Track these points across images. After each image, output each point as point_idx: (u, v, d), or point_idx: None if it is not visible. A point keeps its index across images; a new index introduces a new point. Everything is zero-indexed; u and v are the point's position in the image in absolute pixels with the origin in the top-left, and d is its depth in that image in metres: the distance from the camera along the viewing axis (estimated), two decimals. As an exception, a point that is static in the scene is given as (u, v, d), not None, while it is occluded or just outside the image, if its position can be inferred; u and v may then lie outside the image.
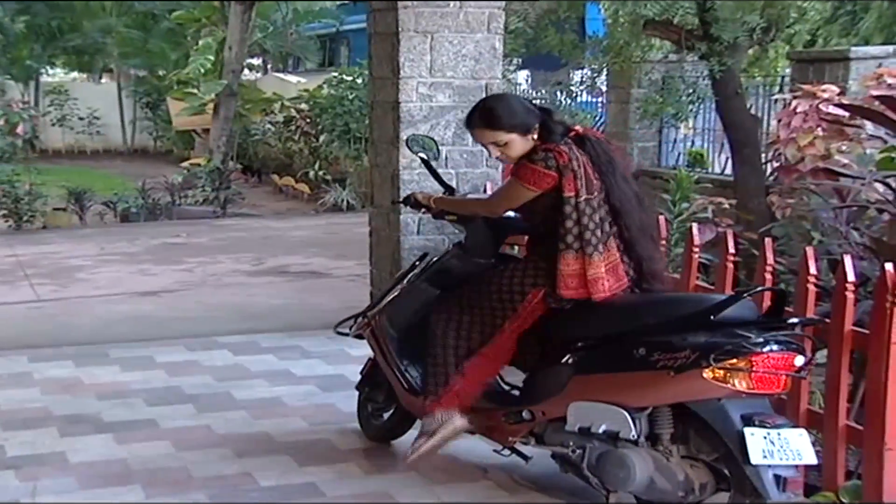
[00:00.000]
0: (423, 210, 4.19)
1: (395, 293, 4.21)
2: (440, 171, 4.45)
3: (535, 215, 3.70)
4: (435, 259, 4.21)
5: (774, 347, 3.19)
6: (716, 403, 3.23)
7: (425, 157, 4.30)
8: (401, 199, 4.50)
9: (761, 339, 3.19)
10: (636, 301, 3.60)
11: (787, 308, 3.54)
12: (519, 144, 3.67)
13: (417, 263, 4.29)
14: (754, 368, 3.15)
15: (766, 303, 3.51)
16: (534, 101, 3.68)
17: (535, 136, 3.66)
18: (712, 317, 3.26)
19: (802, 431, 3.29)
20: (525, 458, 3.82)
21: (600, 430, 3.41)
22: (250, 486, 3.95)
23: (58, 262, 9.33)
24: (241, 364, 5.65)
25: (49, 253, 9.87)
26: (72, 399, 5.00)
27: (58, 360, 5.67)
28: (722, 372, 3.16)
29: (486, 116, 3.72)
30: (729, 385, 3.18)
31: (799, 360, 3.22)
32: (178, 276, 8.59)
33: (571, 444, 3.53)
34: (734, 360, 3.15)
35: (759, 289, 3.55)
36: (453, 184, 5.03)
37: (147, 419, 4.71)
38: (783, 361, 3.19)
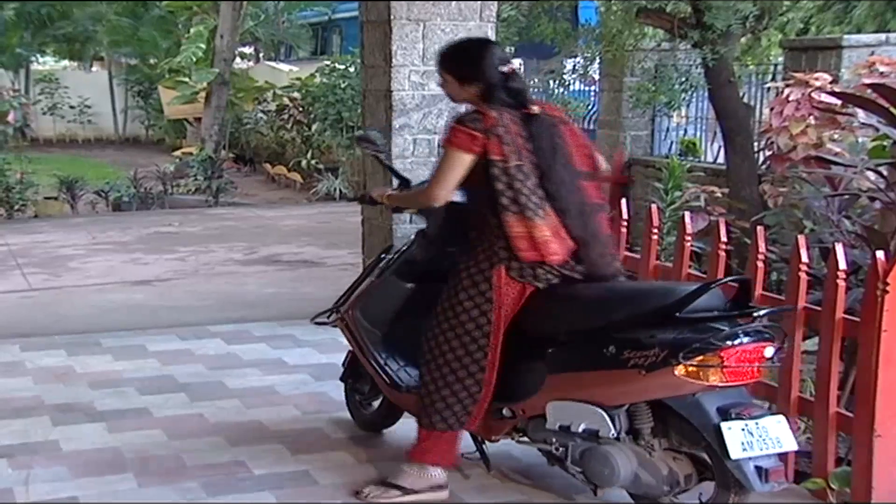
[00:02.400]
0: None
1: (365, 287, 4.19)
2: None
3: (473, 192, 3.61)
4: (403, 249, 4.17)
5: (744, 340, 3.16)
6: (691, 398, 3.22)
7: (376, 154, 4.23)
8: (356, 197, 4.45)
9: (730, 333, 3.16)
10: (603, 296, 3.53)
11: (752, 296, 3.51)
12: (454, 89, 3.70)
13: (383, 256, 4.26)
14: (725, 363, 3.13)
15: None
16: (506, 69, 3.61)
17: (477, 95, 3.61)
18: (678, 313, 3.22)
19: (780, 418, 3.29)
20: (487, 465, 3.82)
21: (580, 429, 3.41)
22: (243, 475, 3.96)
23: (49, 251, 9.31)
24: (234, 353, 5.65)
25: (41, 242, 9.85)
26: (64, 388, 4.99)
27: (50, 349, 5.66)
28: (693, 368, 3.14)
29: (441, 51, 3.82)
30: (701, 381, 3.16)
31: (769, 351, 3.19)
32: (171, 265, 8.58)
33: (554, 441, 3.53)
34: (704, 357, 3.13)
35: (725, 280, 3.50)
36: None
37: (139, 408, 4.71)
38: (753, 353, 3.17)
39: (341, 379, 4.48)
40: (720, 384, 3.17)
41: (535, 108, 3.60)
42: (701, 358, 3.13)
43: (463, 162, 3.51)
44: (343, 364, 4.46)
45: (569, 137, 3.65)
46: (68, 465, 4.01)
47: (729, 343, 3.14)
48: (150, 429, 4.43)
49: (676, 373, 3.16)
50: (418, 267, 4.05)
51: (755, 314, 3.22)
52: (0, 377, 5.15)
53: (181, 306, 6.98)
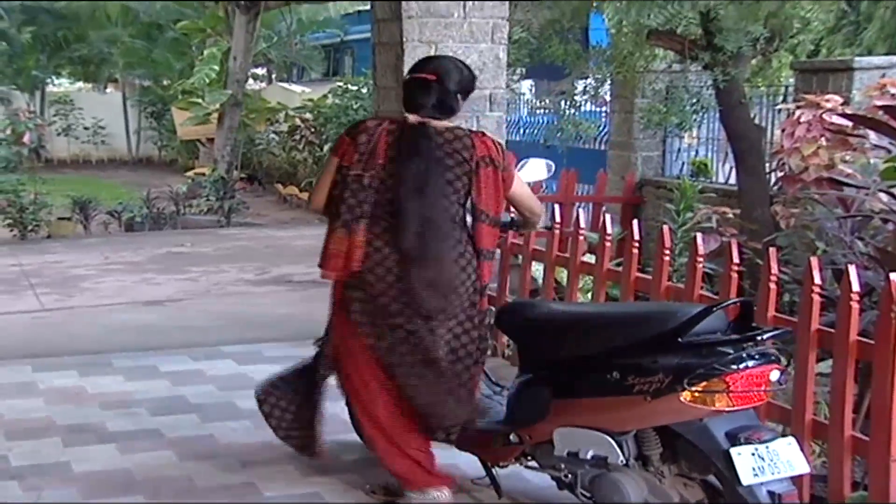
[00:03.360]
0: None
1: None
2: None
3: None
4: None
5: (749, 364, 3.12)
6: (698, 423, 3.18)
7: None
8: None
9: (734, 357, 3.12)
10: (602, 320, 3.51)
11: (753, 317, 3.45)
12: None
13: None
14: (731, 388, 3.09)
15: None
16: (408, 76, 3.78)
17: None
18: (679, 339, 3.19)
19: (791, 440, 3.25)
20: (498, 491, 3.80)
21: (588, 456, 3.37)
22: (254, 496, 3.95)
23: (62, 271, 9.34)
24: (245, 374, 5.64)
25: (53, 262, 9.88)
26: (75, 409, 5.00)
27: (62, 369, 5.67)
28: (699, 394, 3.11)
29: None
30: (708, 406, 3.12)
31: (774, 375, 3.15)
32: (183, 285, 8.60)
33: (563, 467, 3.50)
34: (709, 382, 3.10)
35: (726, 303, 3.46)
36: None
37: (151, 429, 4.71)
38: (759, 377, 3.13)
39: (346, 404, 4.46)
40: (727, 409, 3.13)
41: (411, 118, 3.62)
42: (706, 383, 3.10)
43: (330, 165, 3.67)
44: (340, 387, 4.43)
45: (484, 177, 3.57)
46: (79, 487, 4.01)
47: (734, 367, 3.10)
48: (162, 450, 4.44)
49: (682, 399, 3.12)
50: None
51: (758, 338, 3.18)
52: (12, 398, 5.16)
53: (193, 327, 6.99)
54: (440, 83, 3.62)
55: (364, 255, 3.50)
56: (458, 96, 3.68)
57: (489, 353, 4.16)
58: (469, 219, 3.64)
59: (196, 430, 4.70)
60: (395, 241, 3.48)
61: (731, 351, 3.15)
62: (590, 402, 3.38)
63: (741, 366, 3.11)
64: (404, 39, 5.61)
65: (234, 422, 4.81)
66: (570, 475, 3.48)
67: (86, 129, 22.63)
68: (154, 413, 4.93)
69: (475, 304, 3.63)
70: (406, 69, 5.57)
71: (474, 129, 3.88)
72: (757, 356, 3.15)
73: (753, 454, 3.11)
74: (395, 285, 3.51)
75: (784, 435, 3.44)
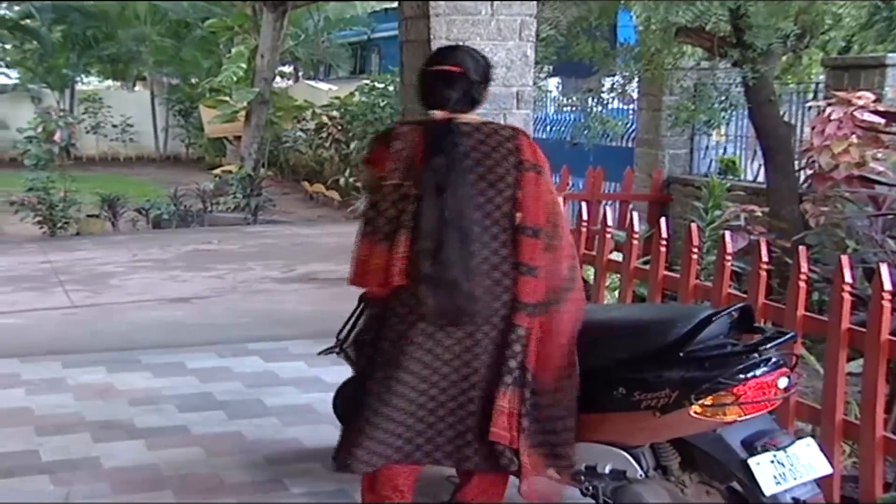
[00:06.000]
0: None
1: (361, 326, 3.96)
2: None
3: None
4: None
5: (757, 372, 3.05)
6: (713, 434, 3.12)
7: None
8: None
9: (741, 367, 3.05)
10: (600, 333, 3.34)
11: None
12: None
13: None
14: (740, 399, 3.03)
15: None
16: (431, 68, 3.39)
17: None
18: (681, 353, 3.13)
19: (809, 441, 3.18)
20: None
21: (606, 470, 3.33)
22: (281, 493, 3.96)
23: (91, 268, 9.42)
24: (272, 370, 5.67)
25: (82, 259, 9.97)
26: (104, 405, 5.04)
27: (91, 365, 5.72)
28: (708, 407, 3.04)
29: None
30: (719, 418, 3.06)
31: (783, 382, 3.07)
32: (210, 282, 8.65)
33: (583, 479, 3.44)
34: (717, 395, 3.03)
35: (724, 311, 3.32)
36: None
37: (178, 425, 4.74)
38: (768, 385, 3.05)
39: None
40: (739, 418, 3.07)
41: (438, 115, 3.28)
42: (714, 396, 3.03)
43: (372, 177, 3.33)
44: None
45: (527, 186, 3.23)
46: (109, 483, 4.04)
47: (741, 377, 3.03)
48: (189, 446, 4.46)
49: (692, 413, 3.06)
50: None
51: (761, 347, 3.10)
52: (42, 393, 5.21)
53: (219, 324, 7.03)
54: (465, 74, 3.34)
55: (405, 268, 3.18)
56: (482, 86, 3.44)
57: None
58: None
59: (223, 427, 4.72)
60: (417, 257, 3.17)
61: (737, 361, 3.08)
62: (599, 418, 3.30)
63: (748, 375, 3.04)
64: (431, 37, 5.60)
65: (261, 419, 4.83)
66: (590, 487, 3.45)
67: (114, 126, 22.88)
68: (182, 409, 4.96)
69: (505, 319, 3.22)
70: (433, 67, 5.59)
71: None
72: (763, 363, 3.07)
73: (773, 461, 3.05)
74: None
75: (806, 436, 3.38)
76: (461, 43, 5.55)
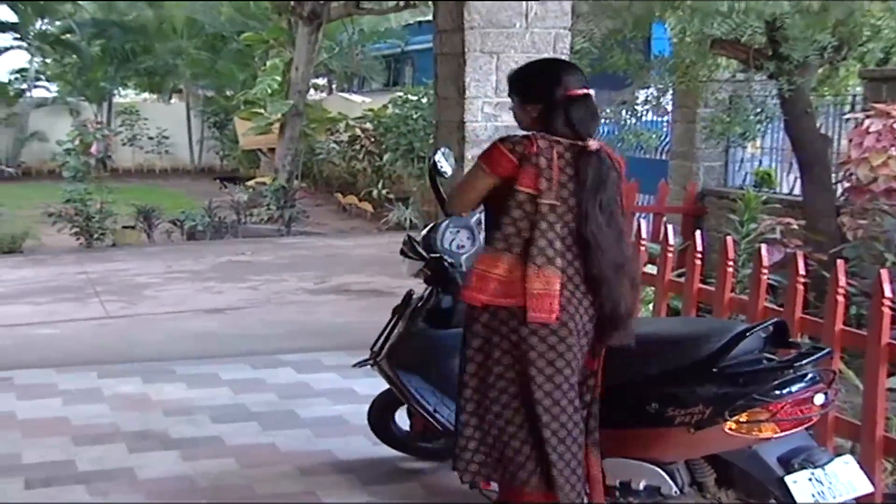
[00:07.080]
0: None
1: (396, 337, 4.09)
2: None
3: (491, 223, 3.24)
4: (423, 297, 4.07)
5: (792, 389, 3.01)
6: (748, 451, 3.08)
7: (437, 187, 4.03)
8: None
9: (777, 384, 3.00)
10: (633, 349, 3.26)
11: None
12: (518, 112, 3.35)
13: (409, 301, 4.14)
14: (776, 416, 2.99)
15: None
16: (573, 93, 3.17)
17: (536, 119, 3.23)
18: (715, 368, 3.09)
19: (849, 458, 3.14)
20: None
21: (641, 487, 3.29)
22: (314, 505, 3.96)
23: (126, 279, 9.51)
24: (305, 382, 5.69)
25: (118, 270, 10.06)
26: (140, 415, 5.07)
27: (126, 376, 5.76)
28: (744, 423, 3.00)
29: (511, 71, 3.52)
30: (754, 434, 3.02)
31: (819, 398, 3.02)
32: (243, 293, 8.70)
33: (618, 495, 3.41)
34: (752, 412, 2.99)
35: (758, 326, 3.30)
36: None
37: (212, 436, 4.76)
38: (804, 402, 3.01)
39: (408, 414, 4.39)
40: (775, 435, 3.02)
41: (593, 144, 3.15)
42: (749, 413, 3.00)
43: (484, 180, 3.20)
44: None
45: (611, 183, 3.21)
46: (144, 493, 4.07)
47: (777, 393, 3.00)
48: (223, 457, 4.47)
49: (727, 429, 3.02)
50: (444, 314, 3.96)
51: (796, 363, 3.06)
52: (78, 404, 5.25)
53: (253, 335, 7.06)
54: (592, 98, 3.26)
55: (562, 301, 3.08)
56: None
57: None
58: None
59: (257, 438, 4.73)
60: (588, 280, 3.13)
61: (772, 377, 3.04)
62: (633, 434, 3.28)
63: (784, 391, 3.00)
64: (466, 50, 5.62)
65: (294, 430, 4.84)
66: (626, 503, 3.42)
67: (150, 138, 23.13)
68: (215, 420, 4.99)
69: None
70: (467, 79, 5.60)
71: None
72: (799, 379, 3.03)
73: (810, 479, 3.01)
74: (586, 337, 3.18)
75: (846, 453, 3.33)
76: (499, 58, 5.55)
